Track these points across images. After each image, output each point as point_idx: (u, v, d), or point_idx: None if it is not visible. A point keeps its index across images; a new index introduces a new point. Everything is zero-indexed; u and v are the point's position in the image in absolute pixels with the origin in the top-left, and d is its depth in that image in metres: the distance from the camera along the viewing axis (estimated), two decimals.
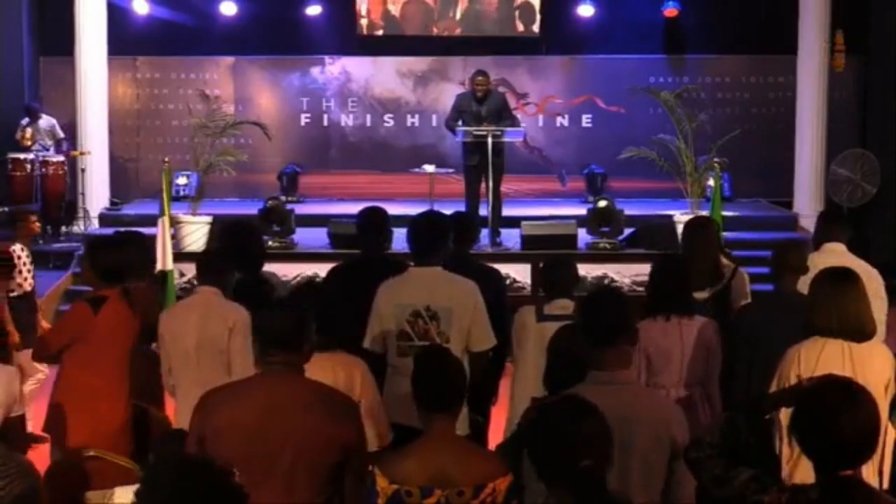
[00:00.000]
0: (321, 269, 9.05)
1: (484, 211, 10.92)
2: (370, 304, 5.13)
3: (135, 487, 4.42)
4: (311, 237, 11.45)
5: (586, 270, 9.81)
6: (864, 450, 2.87)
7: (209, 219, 11.32)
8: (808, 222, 11.59)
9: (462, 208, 9.94)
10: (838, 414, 2.83)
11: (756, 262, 8.37)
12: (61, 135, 12.90)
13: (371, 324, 5.13)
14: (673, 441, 3.53)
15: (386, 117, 14.58)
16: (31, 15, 13.86)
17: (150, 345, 5.73)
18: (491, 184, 10.79)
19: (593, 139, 14.28)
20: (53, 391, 5.33)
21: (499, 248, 11.02)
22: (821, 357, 4.40)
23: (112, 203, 13.23)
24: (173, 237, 10.43)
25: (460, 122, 10.87)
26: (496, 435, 5.68)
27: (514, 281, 10.38)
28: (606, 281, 10.72)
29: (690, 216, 9.48)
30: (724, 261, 5.98)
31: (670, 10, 13.82)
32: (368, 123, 14.58)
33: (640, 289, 10.39)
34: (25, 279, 7.92)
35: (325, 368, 4.20)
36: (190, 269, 10.44)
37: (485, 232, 10.61)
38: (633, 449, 3.49)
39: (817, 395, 2.93)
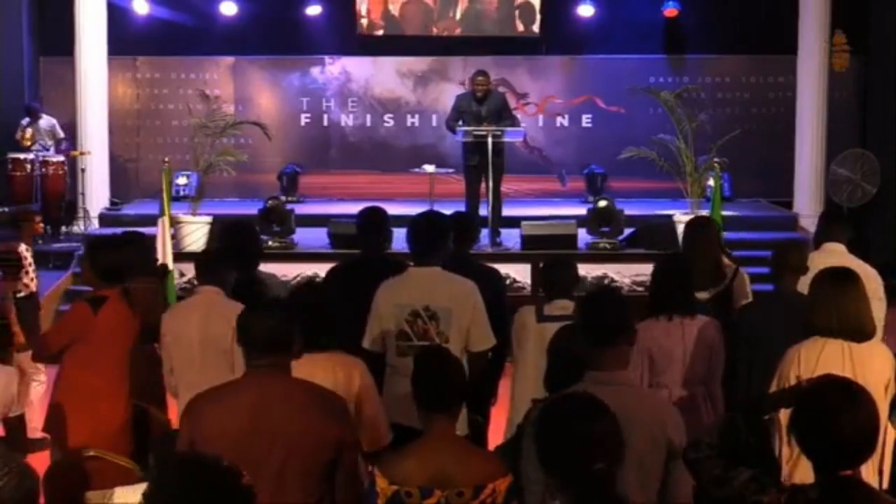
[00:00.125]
0: (321, 269, 9.05)
1: (484, 211, 10.92)
2: (370, 304, 5.13)
3: (135, 487, 4.44)
4: (311, 237, 11.45)
5: (586, 270, 9.81)
6: (863, 450, 2.87)
7: (209, 219, 11.32)
8: (808, 222, 11.61)
9: (462, 208, 9.94)
10: (838, 414, 2.83)
11: (756, 262, 8.37)
12: (61, 135, 12.90)
13: (370, 324, 5.13)
14: (669, 442, 3.53)
15: (386, 117, 14.58)
16: (31, 15, 13.86)
17: (152, 344, 5.73)
18: (491, 184, 10.79)
19: (593, 139, 14.28)
20: (53, 391, 5.34)
21: (499, 248, 11.02)
22: (821, 357, 4.40)
23: (112, 203, 13.23)
24: (173, 237, 10.44)
25: (461, 122, 10.87)
26: (496, 435, 5.68)
27: (514, 281, 10.38)
28: (606, 281, 10.72)
29: (690, 216, 9.49)
30: (726, 261, 5.99)
31: (670, 10, 13.82)
32: (368, 123, 14.58)
33: (640, 289, 10.41)
34: (32, 279, 7.94)
35: (324, 368, 4.20)
36: (190, 269, 10.44)
37: (485, 232, 10.61)
38: (630, 449, 3.47)
39: (817, 395, 2.93)
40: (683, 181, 11.68)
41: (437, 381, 3.61)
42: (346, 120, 14.60)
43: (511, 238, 11.30)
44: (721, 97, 14.33)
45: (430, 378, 3.62)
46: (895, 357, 4.55)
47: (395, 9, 14.37)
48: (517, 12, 14.34)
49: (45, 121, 12.87)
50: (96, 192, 12.90)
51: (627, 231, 11.41)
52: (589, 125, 14.46)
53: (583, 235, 11.25)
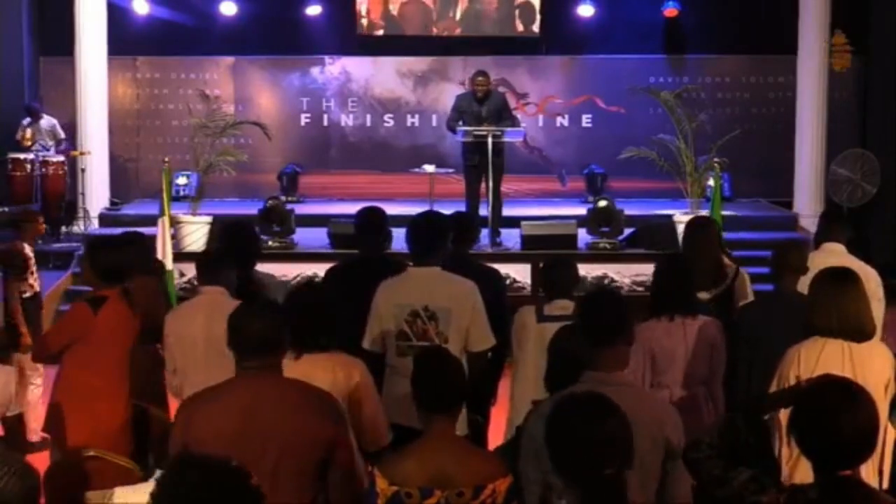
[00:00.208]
0: (321, 269, 9.04)
1: (484, 211, 10.92)
2: (369, 305, 5.13)
3: (135, 487, 4.44)
4: (311, 237, 11.45)
5: (586, 270, 9.81)
6: (863, 450, 2.87)
7: (209, 219, 11.32)
8: (808, 222, 11.61)
9: (462, 208, 9.94)
10: (838, 414, 2.83)
11: (756, 262, 8.37)
12: (62, 135, 12.90)
13: (370, 324, 5.12)
14: (667, 442, 3.53)
15: (386, 117, 14.58)
16: (31, 15, 13.86)
17: (154, 345, 5.73)
18: (491, 184, 10.79)
19: (593, 139, 14.28)
20: (53, 391, 5.33)
21: (499, 248, 11.02)
22: (821, 357, 4.40)
23: (112, 203, 13.23)
24: (173, 237, 10.44)
25: (461, 122, 10.87)
26: (496, 435, 5.68)
27: (514, 281, 10.38)
28: (606, 281, 10.72)
29: (690, 216, 9.49)
30: (726, 261, 5.99)
31: (670, 10, 13.82)
32: (368, 123, 14.58)
33: (640, 289, 10.41)
34: (36, 280, 7.94)
35: (324, 369, 4.20)
36: (190, 269, 10.45)
37: (485, 232, 10.61)
38: None
39: (816, 396, 2.93)
40: (683, 181, 11.68)
41: (436, 381, 3.61)
42: (346, 120, 14.60)
43: (511, 238, 11.30)
44: (721, 97, 14.33)
45: (429, 378, 3.62)
46: (895, 357, 4.56)
47: (395, 9, 14.37)
48: (517, 12, 14.34)
49: (46, 121, 12.87)
50: (96, 192, 12.90)
51: (627, 231, 11.41)
52: (589, 125, 14.46)
53: (583, 235, 11.25)
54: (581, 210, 11.99)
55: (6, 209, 11.93)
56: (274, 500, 3.44)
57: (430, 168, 11.67)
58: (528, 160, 14.11)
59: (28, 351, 7.24)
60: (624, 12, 13.94)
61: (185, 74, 14.43)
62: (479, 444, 5.22)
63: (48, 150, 12.67)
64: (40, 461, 4.67)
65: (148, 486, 4.46)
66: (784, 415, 4.02)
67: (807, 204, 12.78)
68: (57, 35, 13.39)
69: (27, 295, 7.73)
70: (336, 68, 14.56)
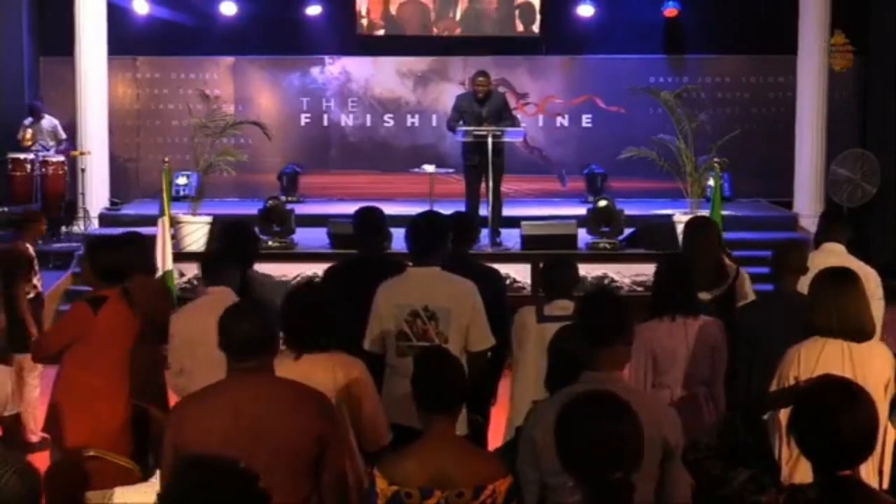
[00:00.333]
0: (321, 269, 9.02)
1: (484, 211, 10.92)
2: (368, 305, 5.13)
3: (135, 487, 4.44)
4: (311, 237, 11.45)
5: (586, 270, 9.81)
6: (862, 450, 2.87)
7: (209, 219, 11.32)
8: (808, 222, 11.61)
9: (462, 208, 9.93)
10: (837, 414, 2.83)
11: (756, 262, 8.37)
12: (63, 136, 12.89)
13: (371, 324, 5.12)
14: (665, 442, 3.52)
15: (386, 117, 14.58)
16: (31, 15, 13.86)
17: (159, 345, 5.72)
18: (491, 184, 10.79)
19: (593, 139, 14.28)
20: (53, 391, 5.33)
21: (499, 248, 11.02)
22: (821, 357, 4.40)
23: (112, 203, 13.22)
24: (173, 237, 10.43)
25: (461, 123, 10.87)
26: (496, 435, 5.68)
27: (514, 281, 10.38)
28: (606, 281, 10.73)
29: (690, 216, 9.48)
30: (727, 262, 5.99)
31: (670, 10, 13.82)
32: (368, 123, 14.59)
33: (640, 289, 10.42)
34: (39, 280, 7.95)
35: (324, 369, 4.20)
36: (190, 269, 10.46)
37: (485, 232, 10.61)
38: None
39: (816, 395, 2.93)
40: (683, 181, 11.68)
41: (436, 381, 3.61)
42: (346, 120, 14.60)
43: (511, 238, 11.30)
44: (721, 97, 14.33)
45: (429, 379, 3.62)
46: (895, 357, 4.56)
47: (394, 9, 14.37)
48: (517, 12, 14.34)
49: (48, 121, 12.87)
50: (96, 192, 12.89)
51: (627, 231, 11.41)
52: (589, 125, 14.46)
53: (583, 235, 11.25)
54: (581, 210, 11.99)
55: (6, 209, 11.94)
56: None
57: (430, 168, 11.67)
58: (528, 160, 14.11)
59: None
60: (624, 12, 13.94)
61: (185, 74, 14.43)
62: (478, 444, 5.22)
63: (48, 150, 12.67)
64: (40, 461, 4.67)
65: (148, 486, 4.48)
66: (784, 415, 4.03)
67: (807, 204, 12.78)
68: (57, 35, 13.39)
69: (30, 296, 7.74)
70: (336, 68, 14.56)
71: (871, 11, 13.53)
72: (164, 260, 9.77)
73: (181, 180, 13.09)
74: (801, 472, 4.12)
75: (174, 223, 10.75)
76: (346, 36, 14.29)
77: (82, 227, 12.50)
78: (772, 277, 5.56)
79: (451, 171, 12.20)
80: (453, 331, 5.03)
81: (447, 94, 13.60)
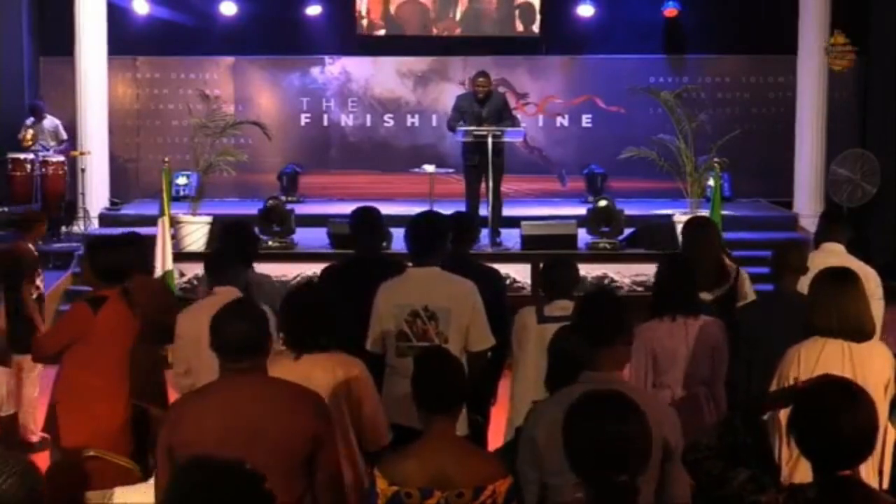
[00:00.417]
0: (321, 270, 9.06)
1: (484, 211, 10.93)
2: (366, 305, 5.13)
3: (135, 487, 4.44)
4: (311, 237, 11.46)
5: (586, 270, 9.81)
6: (862, 449, 2.87)
7: (209, 219, 11.32)
8: (808, 222, 11.61)
9: (462, 208, 9.93)
10: (837, 414, 2.83)
11: (756, 262, 8.38)
12: (64, 136, 12.88)
13: (371, 325, 5.12)
14: (665, 442, 3.52)
15: (386, 117, 14.58)
16: (31, 15, 13.86)
17: (162, 345, 5.71)
18: (491, 184, 10.79)
19: (593, 139, 14.28)
20: (53, 391, 5.33)
21: (499, 248, 11.02)
22: (821, 357, 4.40)
23: (112, 203, 13.23)
24: (173, 237, 10.44)
25: (462, 123, 10.87)
26: (496, 436, 5.68)
27: (514, 281, 10.38)
28: (606, 281, 10.73)
29: (689, 216, 9.47)
30: (728, 262, 5.99)
31: (670, 10, 13.83)
32: (368, 123, 14.59)
33: (640, 289, 10.42)
34: (42, 280, 7.96)
35: (324, 369, 4.20)
36: (190, 269, 10.46)
37: (485, 232, 10.61)
38: None
39: (816, 395, 2.93)
40: (683, 181, 11.68)
41: (437, 381, 3.61)
42: (346, 120, 14.60)
43: (511, 238, 11.30)
44: (721, 97, 14.33)
45: (430, 379, 3.62)
46: (895, 357, 4.56)
47: (394, 9, 14.37)
48: (517, 12, 14.34)
49: (49, 121, 12.87)
50: (96, 192, 12.90)
51: (627, 231, 11.42)
52: (589, 125, 14.46)
53: (583, 235, 11.25)
54: (581, 210, 11.99)
55: (6, 209, 11.95)
56: None
57: (430, 168, 11.67)
58: (528, 160, 14.11)
59: None
60: (624, 12, 13.94)
61: (185, 74, 14.43)
62: (479, 444, 5.22)
63: (48, 150, 12.66)
64: (40, 461, 4.66)
65: (148, 487, 4.48)
66: (784, 415, 4.02)
67: (807, 204, 12.78)
68: (57, 35, 13.39)
69: (33, 297, 7.74)
70: (336, 68, 14.56)
71: (871, 11, 13.53)
72: (164, 260, 9.78)
73: (181, 180, 13.09)
74: (801, 472, 4.13)
75: (174, 223, 10.75)
76: (346, 36, 14.29)
77: (82, 227, 12.50)
78: (772, 277, 5.56)
79: (451, 171, 12.20)
80: (453, 331, 5.03)
81: (447, 94, 13.60)
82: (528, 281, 10.47)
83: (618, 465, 2.85)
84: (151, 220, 10.38)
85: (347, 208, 6.06)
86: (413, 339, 5.02)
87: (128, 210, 13.00)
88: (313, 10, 13.98)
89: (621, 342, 3.63)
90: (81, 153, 12.73)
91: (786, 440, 4.32)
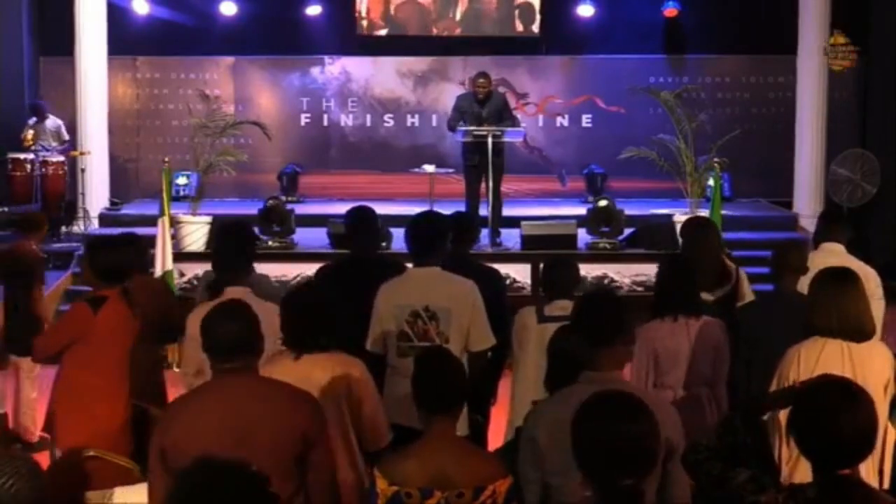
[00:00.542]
0: (316, 270, 9.06)
1: (484, 211, 10.93)
2: (362, 305, 5.12)
3: (135, 487, 4.44)
4: (311, 237, 11.46)
5: (586, 270, 9.81)
6: (862, 449, 2.87)
7: (209, 219, 11.31)
8: (808, 222, 11.60)
9: (462, 208, 9.93)
10: (837, 413, 2.83)
11: (756, 262, 8.38)
12: (66, 137, 12.86)
13: (372, 325, 5.12)
14: (667, 441, 3.52)
15: (386, 117, 14.59)
16: (31, 15, 13.86)
17: (165, 345, 5.70)
18: (491, 184, 10.79)
19: (593, 139, 14.28)
20: (53, 391, 5.33)
21: (499, 248, 11.02)
22: (821, 357, 4.40)
23: (112, 203, 13.22)
24: (173, 237, 10.43)
25: (462, 123, 10.87)
26: (496, 435, 5.68)
27: (514, 281, 10.38)
28: (606, 281, 10.73)
29: (689, 216, 9.48)
30: (728, 262, 5.99)
31: (670, 10, 13.83)
32: (368, 123, 14.59)
33: (640, 289, 10.42)
34: (45, 281, 7.97)
35: (323, 369, 4.20)
36: (190, 269, 10.46)
37: (485, 232, 10.61)
38: None
39: (816, 395, 2.93)
40: (683, 181, 11.68)
41: (437, 382, 3.61)
42: (346, 120, 14.61)
43: (511, 238, 11.30)
44: (721, 97, 14.33)
45: (430, 379, 3.62)
46: (895, 357, 4.56)
47: (394, 9, 14.37)
48: (517, 12, 14.34)
49: (52, 121, 12.86)
50: (96, 192, 12.90)
51: (627, 231, 11.42)
52: (589, 125, 14.46)
53: (583, 235, 11.25)
54: (581, 210, 11.99)
55: (6, 209, 11.95)
56: None
57: (430, 168, 11.67)
58: (528, 160, 14.11)
59: None
60: (624, 12, 13.94)
61: (185, 74, 14.43)
62: (478, 444, 5.22)
63: (49, 150, 12.66)
64: (40, 461, 4.66)
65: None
66: (784, 415, 4.02)
67: (807, 204, 12.78)
68: (57, 35, 13.39)
69: (44, 297, 7.77)
70: (336, 68, 14.56)
71: (871, 11, 13.53)
72: (164, 260, 9.78)
73: (181, 180, 13.09)
74: (801, 472, 4.13)
75: (174, 223, 10.75)
76: (346, 36, 14.29)
77: (82, 227, 12.50)
78: (772, 277, 5.56)
79: (451, 171, 12.20)
80: (454, 331, 5.03)
81: (447, 94, 13.61)
82: (528, 281, 10.47)
83: (628, 465, 2.84)
84: (151, 220, 10.38)
85: (347, 208, 6.04)
86: (414, 340, 5.02)
87: (128, 210, 13.00)
88: (313, 10, 13.98)
89: (621, 342, 3.63)
90: (81, 153, 12.73)
91: (786, 440, 4.32)
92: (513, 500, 3.48)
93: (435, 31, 14.48)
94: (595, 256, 10.95)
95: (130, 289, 5.40)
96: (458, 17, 14.43)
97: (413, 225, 5.33)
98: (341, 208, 12.13)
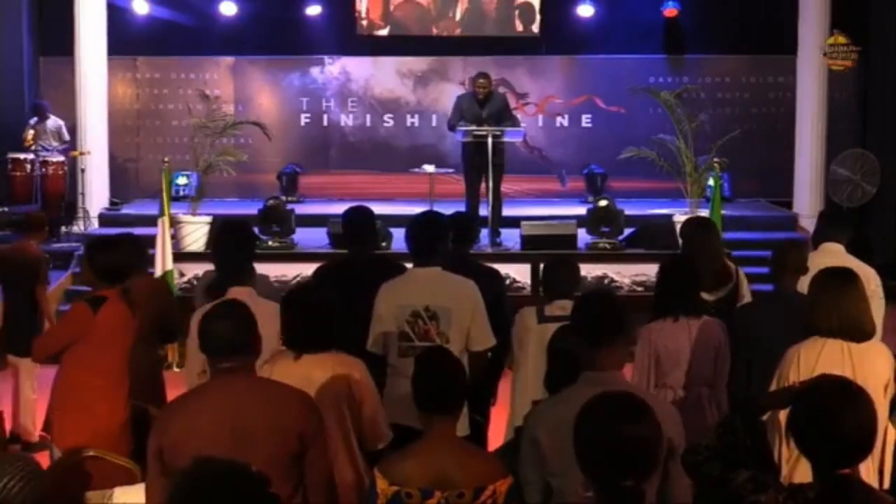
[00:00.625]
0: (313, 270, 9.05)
1: (484, 211, 10.93)
2: (359, 305, 5.12)
3: (135, 487, 4.43)
4: (311, 237, 11.46)
5: (586, 270, 9.80)
6: (862, 449, 2.87)
7: (209, 219, 11.32)
8: (808, 222, 11.60)
9: (462, 208, 9.93)
10: (837, 413, 2.83)
11: (756, 262, 8.38)
12: (67, 137, 12.85)
13: (372, 325, 5.12)
14: (669, 441, 3.52)
15: (386, 117, 14.59)
16: (31, 15, 13.86)
17: (166, 345, 5.70)
18: (491, 184, 10.79)
19: (593, 139, 14.29)
20: (53, 391, 5.33)
21: (499, 248, 11.02)
22: (820, 357, 4.40)
23: (112, 203, 13.23)
24: (173, 237, 10.43)
25: (462, 123, 10.87)
26: (496, 435, 5.68)
27: (514, 281, 10.38)
28: (606, 281, 10.73)
29: (688, 217, 9.48)
30: (729, 263, 5.99)
31: (670, 10, 13.83)
32: (368, 123, 14.59)
33: (640, 289, 10.42)
34: (49, 281, 7.98)
35: (324, 369, 4.20)
36: (190, 269, 10.46)
37: (485, 232, 10.62)
38: None
39: (816, 395, 2.93)
40: (683, 181, 11.68)
41: (437, 382, 3.60)
42: (346, 120, 14.61)
43: (511, 238, 11.30)
44: (721, 97, 14.33)
45: (430, 379, 3.62)
46: (895, 357, 4.56)
47: (394, 9, 14.37)
48: (517, 12, 14.34)
49: (53, 121, 12.86)
50: (96, 192, 12.89)
51: (627, 231, 11.42)
52: (589, 125, 14.46)
53: (583, 235, 11.25)
54: (581, 210, 11.99)
55: (6, 209, 11.95)
56: None
57: (430, 168, 11.68)
58: (528, 160, 14.11)
59: None
60: (624, 12, 13.94)
61: (185, 74, 14.43)
62: (478, 444, 5.22)
63: (49, 150, 12.65)
64: (40, 461, 4.66)
65: None
66: (784, 415, 4.02)
67: (807, 204, 12.78)
68: (57, 35, 13.39)
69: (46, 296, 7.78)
70: (336, 68, 14.57)
71: (871, 11, 13.53)
72: (164, 260, 9.78)
73: (181, 180, 13.08)
74: (801, 472, 4.13)
75: (174, 223, 10.75)
76: (346, 36, 14.29)
77: (82, 227, 12.49)
78: (772, 277, 5.56)
79: (451, 171, 12.20)
80: (455, 331, 5.03)
81: (447, 94, 13.61)
82: (528, 281, 10.47)
83: (630, 466, 2.84)
84: (151, 220, 10.38)
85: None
86: (415, 340, 5.02)
87: (128, 210, 13.01)
88: (313, 10, 13.98)
89: (622, 342, 3.63)
90: (81, 153, 12.72)
91: (786, 440, 4.32)
92: (513, 501, 3.47)
93: (435, 31, 14.48)
94: (595, 256, 10.95)
95: (130, 289, 5.40)
96: (458, 17, 14.43)
97: (414, 225, 5.33)
98: (341, 208, 11.98)
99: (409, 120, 14.57)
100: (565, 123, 14.52)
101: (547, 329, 4.86)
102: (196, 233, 11.22)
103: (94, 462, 4.96)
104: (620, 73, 13.87)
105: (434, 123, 14.26)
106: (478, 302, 5.11)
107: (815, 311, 4.50)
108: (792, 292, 5.30)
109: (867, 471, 4.19)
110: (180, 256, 10.48)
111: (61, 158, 12.66)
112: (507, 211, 11.42)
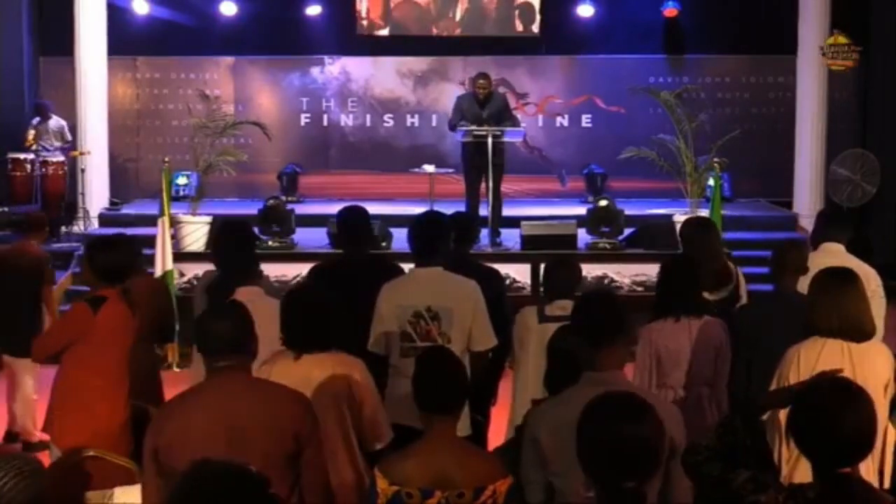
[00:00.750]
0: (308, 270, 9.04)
1: (484, 211, 10.93)
2: (355, 305, 5.11)
3: (135, 487, 4.43)
4: (311, 237, 11.46)
5: (586, 270, 9.78)
6: (862, 448, 2.87)
7: (209, 219, 11.32)
8: (808, 222, 11.56)
9: (462, 208, 9.93)
10: (837, 412, 2.83)
11: (756, 262, 8.38)
12: (69, 137, 12.84)
13: (374, 325, 5.12)
14: (671, 441, 3.52)
15: (386, 117, 14.59)
16: (31, 15, 13.86)
17: (165, 345, 5.71)
18: (491, 184, 10.79)
19: (593, 139, 14.29)
20: (53, 391, 5.33)
21: (499, 248, 11.02)
22: (820, 357, 4.40)
23: (112, 203, 13.23)
24: (173, 237, 10.43)
25: (462, 123, 10.87)
26: (496, 435, 5.68)
27: (514, 281, 10.38)
28: (606, 281, 10.73)
29: (688, 217, 9.48)
30: (729, 263, 5.99)
31: (670, 10, 13.83)
32: (368, 123, 14.59)
33: (640, 289, 10.43)
34: (54, 280, 7.98)
35: (323, 369, 4.20)
36: (190, 269, 10.46)
37: (485, 232, 10.62)
38: None
39: (816, 395, 2.93)
40: (683, 181, 11.68)
41: (438, 382, 3.60)
42: (346, 120, 14.61)
43: (511, 238, 11.30)
44: (721, 97, 14.33)
45: (431, 379, 3.62)
46: (895, 357, 4.55)
47: (394, 9, 14.37)
48: (517, 12, 14.34)
49: (55, 122, 12.86)
50: (96, 192, 12.89)
51: (627, 231, 11.42)
52: (589, 125, 14.46)
53: (583, 235, 11.25)
54: (581, 210, 11.99)
55: (6, 209, 11.95)
56: None
57: (430, 168, 11.68)
58: (528, 160, 14.11)
59: None
60: (624, 12, 13.95)
61: (185, 74, 14.43)
62: (479, 444, 5.22)
63: (50, 150, 12.65)
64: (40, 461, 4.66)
65: None
66: (784, 415, 4.02)
67: (807, 204, 12.78)
68: (57, 35, 13.39)
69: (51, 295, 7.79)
70: (336, 68, 14.57)
71: (871, 11, 13.54)
72: (164, 260, 9.77)
73: (181, 180, 13.09)
74: (801, 472, 4.13)
75: (174, 223, 10.75)
76: (346, 36, 14.29)
77: (82, 227, 12.49)
78: (772, 277, 5.56)
79: (451, 171, 12.20)
80: (456, 331, 5.03)
81: (447, 94, 13.61)
82: (528, 281, 10.47)
83: (632, 467, 2.84)
84: (151, 220, 10.38)
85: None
86: (416, 340, 5.02)
87: (128, 210, 13.01)
88: (313, 10, 13.98)
89: (622, 342, 3.63)
90: (81, 153, 12.72)
91: (786, 440, 4.31)
92: (513, 500, 3.47)
93: (435, 31, 14.48)
94: (595, 256, 10.95)
95: (130, 289, 5.40)
96: (457, 17, 14.43)
97: (415, 225, 5.33)
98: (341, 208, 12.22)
99: (409, 120, 14.57)
100: (565, 123, 14.52)
101: (547, 329, 4.86)
102: (196, 233, 11.22)
103: (94, 462, 4.96)
104: (620, 73, 13.87)
105: (434, 123, 14.26)
106: (479, 302, 5.11)
107: (815, 311, 4.50)
108: (792, 292, 5.30)
109: (867, 471, 4.19)
110: (180, 256, 10.48)
111: (61, 158, 12.66)
112: (507, 211, 11.42)
